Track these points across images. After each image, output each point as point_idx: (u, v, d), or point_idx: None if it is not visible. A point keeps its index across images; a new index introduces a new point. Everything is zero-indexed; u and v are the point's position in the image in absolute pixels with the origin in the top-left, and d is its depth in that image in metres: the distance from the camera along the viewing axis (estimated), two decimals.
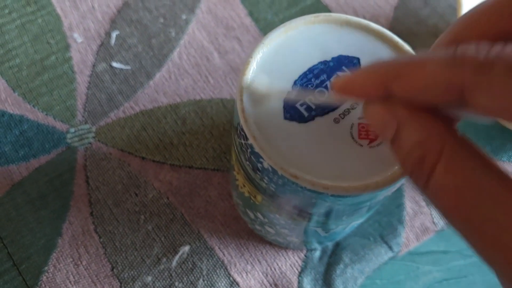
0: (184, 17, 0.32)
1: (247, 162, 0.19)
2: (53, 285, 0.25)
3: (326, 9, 0.33)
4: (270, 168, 0.18)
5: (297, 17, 0.20)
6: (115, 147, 0.28)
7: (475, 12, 0.14)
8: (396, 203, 0.28)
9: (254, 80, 0.18)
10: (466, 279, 0.28)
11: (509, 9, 0.13)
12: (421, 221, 0.28)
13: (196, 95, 0.30)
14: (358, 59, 0.20)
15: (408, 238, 0.28)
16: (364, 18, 0.33)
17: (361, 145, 0.18)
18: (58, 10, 0.32)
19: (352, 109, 0.19)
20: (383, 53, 0.20)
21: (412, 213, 0.28)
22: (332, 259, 0.27)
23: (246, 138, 0.18)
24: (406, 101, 0.14)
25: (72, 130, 0.29)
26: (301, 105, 0.19)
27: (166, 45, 0.31)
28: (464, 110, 0.14)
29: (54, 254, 0.26)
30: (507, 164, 0.30)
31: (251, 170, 0.20)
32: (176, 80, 0.30)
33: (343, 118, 0.19)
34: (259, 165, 0.18)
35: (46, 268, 0.26)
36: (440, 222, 0.28)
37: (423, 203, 0.28)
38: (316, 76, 0.19)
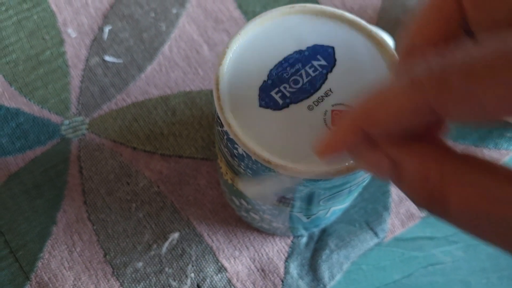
0: (174, 11, 0.32)
1: (225, 149, 0.20)
2: (48, 270, 0.26)
3: (314, 0, 0.33)
4: (244, 154, 0.18)
5: None
6: (108, 138, 0.29)
7: (421, 17, 0.15)
8: (382, 190, 0.29)
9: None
10: (451, 264, 0.28)
11: (446, 12, 0.14)
12: (407, 207, 0.29)
13: (186, 86, 0.30)
14: (332, 48, 0.20)
15: (393, 225, 0.28)
16: (352, 9, 0.33)
17: None
18: (53, 7, 0.32)
19: (326, 96, 0.19)
20: (358, 41, 0.20)
21: (397, 199, 0.29)
22: (318, 245, 0.28)
23: (222, 125, 0.19)
24: (387, 135, 0.13)
25: (67, 122, 0.30)
26: (276, 93, 0.19)
27: (157, 39, 0.32)
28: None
29: (49, 241, 0.27)
30: (494, 151, 0.30)
31: (229, 156, 0.20)
32: (167, 72, 0.31)
33: (317, 105, 0.19)
34: (235, 151, 0.19)
35: (41, 254, 0.27)
36: None
37: None
38: (291, 65, 0.20)
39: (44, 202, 0.28)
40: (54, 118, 0.30)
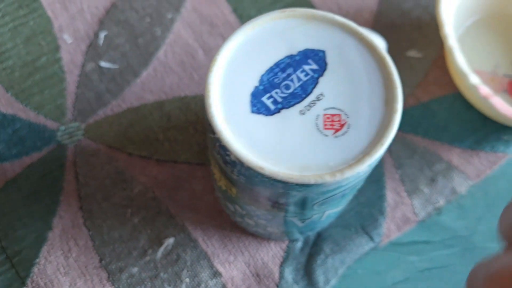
0: (169, 16, 0.32)
1: (218, 155, 0.20)
2: (44, 276, 0.27)
3: (309, 4, 0.33)
4: (237, 161, 0.18)
5: None
6: (104, 143, 0.29)
7: None
8: (377, 194, 0.29)
9: None
10: (447, 269, 0.28)
11: None
12: (402, 212, 0.28)
13: (181, 92, 0.31)
14: (323, 51, 0.20)
15: (389, 229, 0.28)
16: (348, 12, 0.33)
17: (326, 135, 0.19)
18: (49, 13, 0.33)
19: (318, 100, 0.19)
20: (349, 45, 0.20)
21: (393, 204, 0.29)
22: (313, 250, 0.28)
23: (213, 132, 0.19)
24: None
25: (63, 128, 0.30)
26: (268, 98, 0.19)
27: (152, 44, 0.32)
28: None
29: (45, 247, 0.27)
30: (490, 154, 0.30)
31: (222, 163, 0.20)
32: (162, 77, 0.31)
33: (309, 110, 0.19)
34: (227, 157, 0.19)
35: (37, 260, 0.27)
36: (421, 213, 0.29)
37: (404, 194, 0.29)
38: (282, 70, 0.20)
39: (41, 207, 0.28)
40: (50, 124, 0.30)
